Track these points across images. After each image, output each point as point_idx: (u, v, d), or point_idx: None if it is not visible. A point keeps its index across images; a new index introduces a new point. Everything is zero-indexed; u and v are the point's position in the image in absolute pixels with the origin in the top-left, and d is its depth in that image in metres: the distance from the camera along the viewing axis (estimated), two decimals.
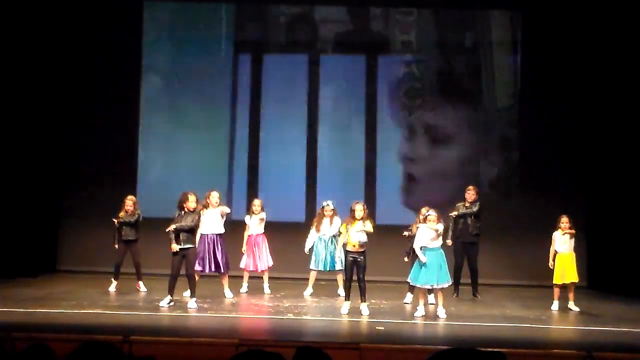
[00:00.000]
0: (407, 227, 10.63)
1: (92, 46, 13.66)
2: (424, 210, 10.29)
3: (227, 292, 10.85)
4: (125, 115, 13.78)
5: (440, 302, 9.64)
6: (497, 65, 13.92)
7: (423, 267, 9.57)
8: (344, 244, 9.78)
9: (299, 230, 12.10)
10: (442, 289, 9.66)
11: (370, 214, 10.15)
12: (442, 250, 9.73)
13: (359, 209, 9.60)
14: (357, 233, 9.52)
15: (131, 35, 13.81)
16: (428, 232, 9.62)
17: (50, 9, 13.17)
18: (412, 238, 10.16)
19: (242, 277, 11.52)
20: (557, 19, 13.51)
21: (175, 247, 9.66)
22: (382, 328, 8.69)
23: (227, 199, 13.00)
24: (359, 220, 9.56)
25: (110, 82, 13.64)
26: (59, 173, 13.60)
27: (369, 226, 9.55)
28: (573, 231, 10.44)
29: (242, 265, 11.44)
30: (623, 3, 12.73)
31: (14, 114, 12.47)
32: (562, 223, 10.45)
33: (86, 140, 13.65)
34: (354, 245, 9.56)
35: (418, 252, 9.65)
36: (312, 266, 11.33)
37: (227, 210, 10.97)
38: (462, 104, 13.84)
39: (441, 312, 9.55)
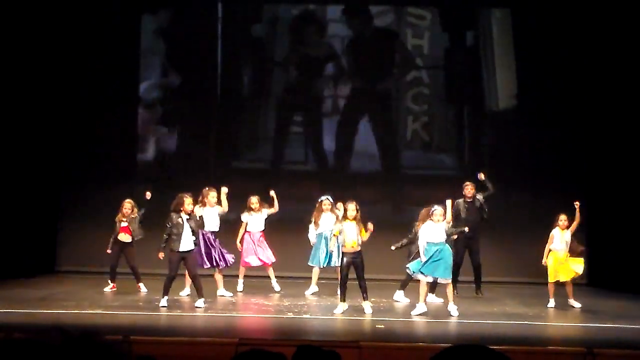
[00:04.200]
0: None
1: (91, 47, 13.62)
2: (424, 211, 10.29)
3: (223, 291, 10.85)
4: (124, 115, 13.77)
5: (451, 299, 9.58)
6: (497, 65, 13.91)
7: (430, 260, 9.48)
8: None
9: (299, 227, 12.09)
10: (447, 285, 9.61)
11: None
12: (448, 245, 9.68)
13: (352, 209, 9.53)
14: (356, 235, 9.47)
15: (130, 36, 13.79)
16: (433, 228, 9.59)
17: (51, 10, 13.15)
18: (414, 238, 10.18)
19: (237, 276, 11.46)
20: (556, 18, 13.49)
21: (161, 255, 9.76)
22: (383, 326, 8.70)
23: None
24: (352, 220, 9.51)
25: (109, 82, 13.60)
26: (58, 173, 13.58)
27: (364, 233, 9.55)
28: (575, 224, 10.45)
29: (243, 263, 11.41)
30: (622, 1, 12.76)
31: (13, 115, 12.45)
32: (561, 221, 10.46)
33: (85, 140, 13.62)
34: (352, 246, 9.53)
35: (421, 249, 9.60)
36: (311, 262, 11.28)
37: (225, 209, 10.99)
38: (461, 105, 13.87)
39: (453, 309, 9.50)
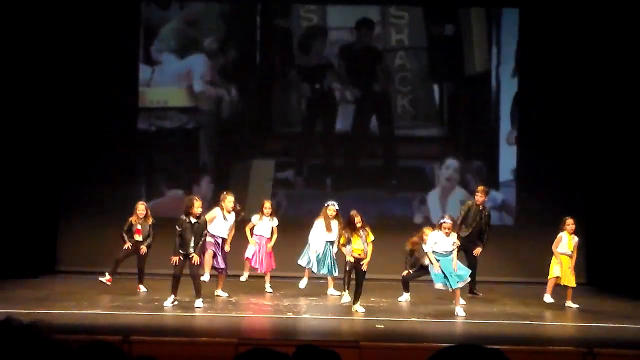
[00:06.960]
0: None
1: (92, 45, 13.61)
2: (426, 230, 10.21)
3: (220, 292, 10.81)
4: (124, 115, 13.76)
5: (457, 303, 9.65)
6: (496, 64, 13.91)
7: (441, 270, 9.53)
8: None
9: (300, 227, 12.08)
10: (454, 291, 9.64)
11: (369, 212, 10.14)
12: (450, 257, 9.62)
13: (358, 220, 9.58)
14: (363, 244, 9.55)
15: (130, 34, 13.79)
16: (442, 239, 9.55)
17: (51, 7, 13.15)
18: (411, 257, 10.46)
19: (239, 275, 11.42)
20: (556, 16, 13.49)
21: (174, 259, 9.67)
22: (382, 326, 8.70)
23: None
24: (359, 229, 9.54)
25: (110, 81, 13.59)
26: (58, 173, 13.57)
27: (370, 237, 9.71)
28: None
29: (247, 254, 11.23)
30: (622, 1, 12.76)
31: (13, 114, 12.45)
32: (568, 225, 10.44)
33: (86, 140, 13.62)
34: (358, 253, 9.59)
35: (432, 257, 9.56)
36: (303, 263, 11.09)
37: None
38: (461, 105, 13.89)
39: (460, 311, 9.53)
